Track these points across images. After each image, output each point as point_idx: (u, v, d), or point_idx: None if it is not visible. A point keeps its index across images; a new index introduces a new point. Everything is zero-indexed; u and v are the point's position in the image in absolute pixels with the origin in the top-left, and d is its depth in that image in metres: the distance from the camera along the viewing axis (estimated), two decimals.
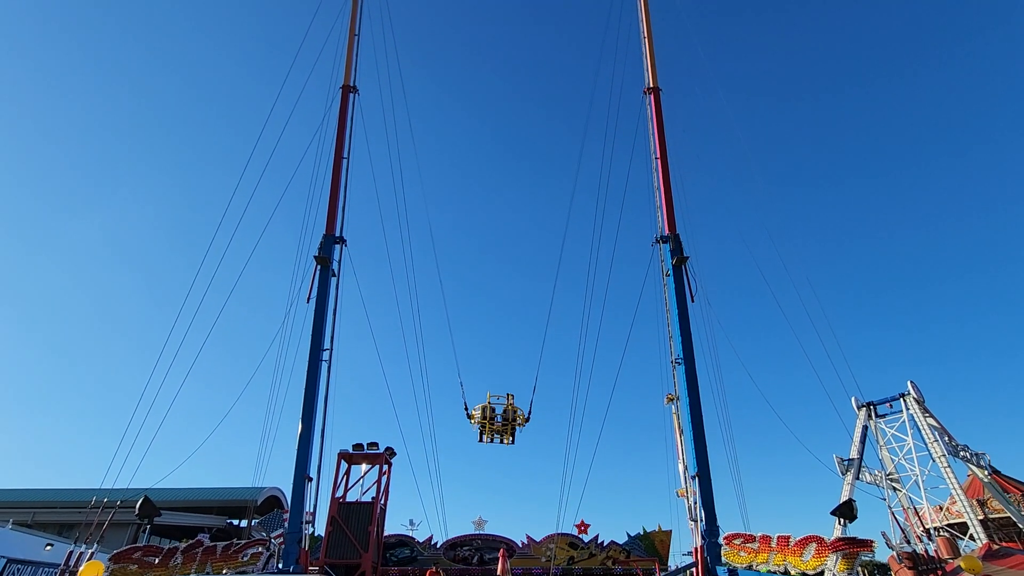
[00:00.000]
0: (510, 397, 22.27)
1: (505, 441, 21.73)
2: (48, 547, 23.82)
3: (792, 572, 16.59)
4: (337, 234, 24.73)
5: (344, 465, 23.10)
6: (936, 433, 32.47)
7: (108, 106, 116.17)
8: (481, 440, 21.90)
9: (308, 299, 23.03)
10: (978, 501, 32.57)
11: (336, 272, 24.16)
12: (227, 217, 25.06)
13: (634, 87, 28.90)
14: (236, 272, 26.25)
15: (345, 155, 26.31)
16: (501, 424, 21.46)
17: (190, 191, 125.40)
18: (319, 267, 23.53)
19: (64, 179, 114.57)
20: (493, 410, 21.68)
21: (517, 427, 21.84)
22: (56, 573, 16.07)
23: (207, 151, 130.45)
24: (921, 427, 33.01)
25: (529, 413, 22.18)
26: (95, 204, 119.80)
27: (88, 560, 15.91)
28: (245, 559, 17.66)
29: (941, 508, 33.45)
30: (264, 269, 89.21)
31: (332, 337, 23.06)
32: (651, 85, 27.68)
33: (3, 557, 21.23)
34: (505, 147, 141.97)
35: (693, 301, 22.74)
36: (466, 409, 22.22)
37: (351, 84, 27.75)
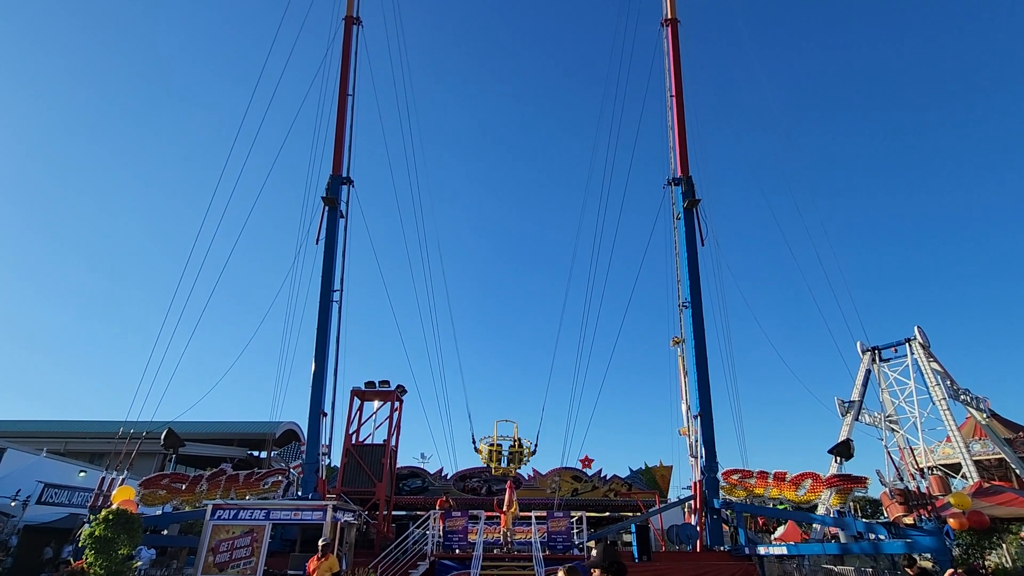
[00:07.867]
0: (516, 429, 22.73)
1: (512, 472, 22.69)
2: (82, 473, 25.30)
3: (785, 505, 17.32)
4: (344, 175, 24.46)
5: (357, 402, 23.92)
6: (938, 377, 32.84)
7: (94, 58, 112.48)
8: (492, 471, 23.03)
9: (317, 240, 23.17)
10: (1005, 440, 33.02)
11: (344, 213, 24.09)
12: (232, 158, 24.78)
13: (653, 27, 27.40)
14: (244, 216, 26.27)
15: (350, 92, 25.57)
16: (507, 462, 22.48)
17: (190, 135, 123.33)
18: (327, 208, 23.47)
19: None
20: (500, 447, 22.51)
21: (523, 459, 22.64)
22: (90, 497, 17.08)
23: (205, 93, 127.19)
24: (924, 371, 33.36)
25: (535, 447, 22.74)
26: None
27: (120, 485, 16.90)
28: (266, 487, 18.66)
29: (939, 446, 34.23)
30: (274, 214, 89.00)
31: (342, 278, 23.34)
32: (669, 16, 26.24)
33: (40, 482, 22.62)
34: (514, 91, 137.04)
35: (703, 245, 22.63)
36: (474, 443, 22.91)
37: (354, 15, 26.57)
